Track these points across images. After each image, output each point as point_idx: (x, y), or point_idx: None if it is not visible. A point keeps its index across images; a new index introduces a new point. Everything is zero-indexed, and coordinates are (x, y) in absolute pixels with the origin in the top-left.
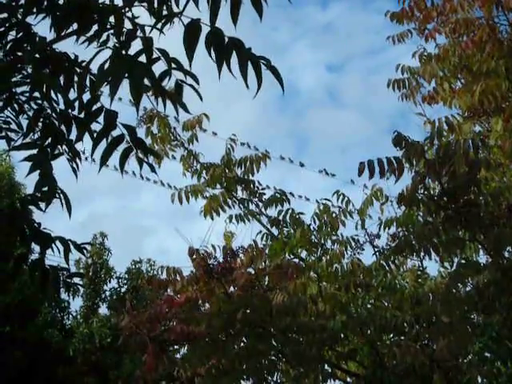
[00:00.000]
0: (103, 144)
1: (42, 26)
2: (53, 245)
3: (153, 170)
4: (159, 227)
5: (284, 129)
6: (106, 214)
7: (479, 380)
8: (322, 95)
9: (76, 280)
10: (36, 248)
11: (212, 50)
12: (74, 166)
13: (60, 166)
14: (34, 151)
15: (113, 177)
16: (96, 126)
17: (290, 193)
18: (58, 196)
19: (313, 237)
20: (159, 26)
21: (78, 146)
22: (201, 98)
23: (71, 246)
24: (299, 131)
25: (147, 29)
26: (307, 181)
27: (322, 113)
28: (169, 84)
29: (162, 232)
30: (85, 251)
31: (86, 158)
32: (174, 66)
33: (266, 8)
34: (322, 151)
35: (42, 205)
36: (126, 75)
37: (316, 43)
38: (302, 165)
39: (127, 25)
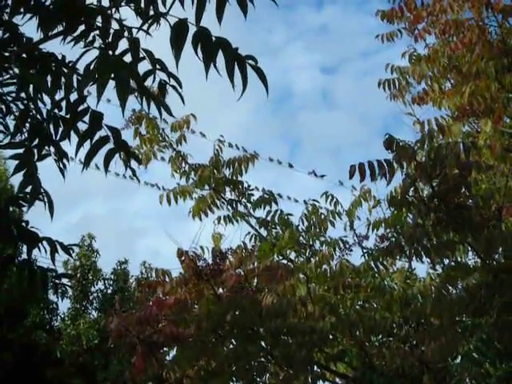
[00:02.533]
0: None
1: (29, 27)
2: (40, 245)
3: (134, 174)
4: (152, 229)
5: (278, 131)
6: (100, 215)
7: (468, 382)
8: (316, 97)
9: (64, 281)
10: (25, 250)
11: (199, 50)
12: (61, 166)
13: (51, 168)
14: (21, 151)
15: (107, 179)
16: (83, 128)
17: (278, 194)
18: (41, 197)
19: (301, 238)
20: (145, 26)
21: (66, 148)
22: (183, 101)
23: (58, 247)
24: (293, 133)
25: (134, 30)
26: (301, 183)
27: (316, 115)
28: (153, 85)
29: (155, 234)
30: (72, 253)
31: (72, 159)
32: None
33: (253, 8)
34: (316, 153)
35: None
36: (113, 76)
37: (310, 45)
38: (290, 166)
39: (114, 25)
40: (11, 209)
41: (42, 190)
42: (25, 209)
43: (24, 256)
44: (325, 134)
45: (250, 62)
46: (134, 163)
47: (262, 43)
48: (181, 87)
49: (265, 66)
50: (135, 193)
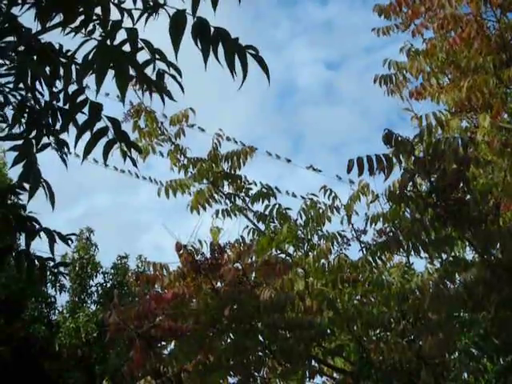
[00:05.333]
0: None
1: (28, 17)
2: (39, 236)
3: (134, 164)
4: (156, 223)
5: (281, 126)
6: (103, 209)
7: (466, 376)
8: (320, 92)
9: (62, 269)
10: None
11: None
12: (63, 156)
13: (54, 162)
14: (20, 142)
15: (111, 173)
16: (81, 120)
17: (276, 188)
18: (42, 186)
19: (299, 232)
20: (144, 16)
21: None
22: (182, 90)
23: (56, 237)
24: (296, 128)
25: (134, 17)
26: (304, 178)
27: (320, 110)
28: (152, 75)
29: (159, 228)
30: (71, 246)
31: (70, 153)
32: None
33: (256, 3)
34: (319, 148)
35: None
36: (112, 65)
37: (315, 40)
38: (288, 160)
39: (113, 15)
40: (11, 200)
41: (43, 181)
42: (24, 199)
43: (22, 247)
44: (328, 129)
45: (251, 51)
46: (133, 154)
47: (267, 38)
48: (180, 76)
49: (269, 61)
50: (139, 187)
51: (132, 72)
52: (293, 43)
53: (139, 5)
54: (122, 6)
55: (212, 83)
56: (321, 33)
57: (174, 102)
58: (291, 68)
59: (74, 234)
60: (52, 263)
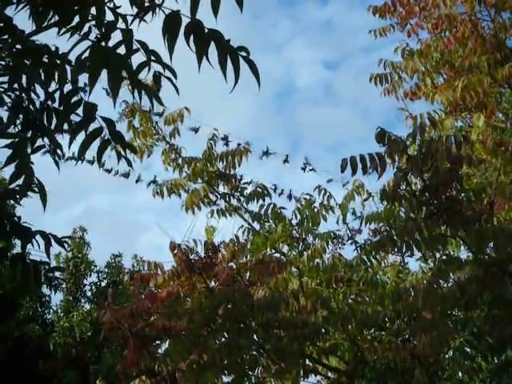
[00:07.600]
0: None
1: (23, 17)
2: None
3: (130, 165)
4: (155, 223)
5: (281, 126)
6: (103, 209)
7: (460, 375)
8: (319, 92)
9: (57, 274)
10: (18, 243)
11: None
12: (56, 158)
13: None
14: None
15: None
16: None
17: (271, 187)
18: (34, 188)
19: (294, 231)
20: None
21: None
22: (177, 92)
23: (52, 240)
24: (296, 128)
25: (128, 19)
26: (303, 179)
27: (319, 110)
28: (147, 76)
29: (158, 228)
30: (65, 245)
31: (64, 155)
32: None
33: (256, 3)
34: (319, 149)
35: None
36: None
37: (314, 40)
38: (285, 160)
39: (108, 16)
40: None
41: (35, 181)
42: (23, 202)
43: (17, 250)
44: (327, 129)
45: (242, 53)
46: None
47: (266, 38)
48: (176, 78)
49: (269, 61)
50: (138, 187)
51: (125, 74)
52: (292, 43)
53: (136, 8)
54: (119, 8)
55: (211, 83)
56: (320, 33)
57: (173, 102)
58: (290, 68)
59: (69, 237)
60: (47, 267)
